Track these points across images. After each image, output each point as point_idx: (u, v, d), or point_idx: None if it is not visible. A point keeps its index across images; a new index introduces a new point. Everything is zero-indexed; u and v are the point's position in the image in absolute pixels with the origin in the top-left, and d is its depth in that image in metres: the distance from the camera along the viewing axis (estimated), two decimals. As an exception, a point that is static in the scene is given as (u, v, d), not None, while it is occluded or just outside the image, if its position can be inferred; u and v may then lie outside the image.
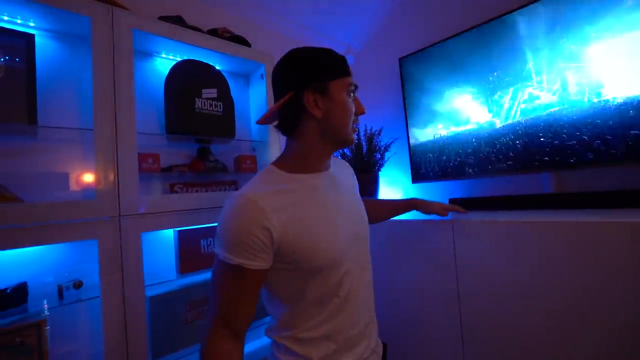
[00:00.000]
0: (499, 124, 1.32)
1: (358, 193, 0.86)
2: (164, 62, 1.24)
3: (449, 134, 1.48)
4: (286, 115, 0.70)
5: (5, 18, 0.92)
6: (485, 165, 1.37)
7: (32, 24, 0.97)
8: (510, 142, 1.29)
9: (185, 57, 1.24)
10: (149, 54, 1.20)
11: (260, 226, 0.61)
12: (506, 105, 1.30)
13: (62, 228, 0.86)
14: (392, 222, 1.28)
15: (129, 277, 0.94)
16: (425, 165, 1.58)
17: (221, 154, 1.35)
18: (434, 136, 1.54)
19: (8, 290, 0.85)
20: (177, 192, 1.14)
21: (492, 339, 1.05)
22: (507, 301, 1.02)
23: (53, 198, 0.97)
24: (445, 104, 1.49)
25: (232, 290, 0.63)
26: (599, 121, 1.08)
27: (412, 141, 1.62)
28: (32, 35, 0.94)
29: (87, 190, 1.01)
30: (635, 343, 0.81)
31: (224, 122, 1.25)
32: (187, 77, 1.17)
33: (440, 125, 1.52)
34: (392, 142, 1.67)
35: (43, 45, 0.99)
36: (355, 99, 0.72)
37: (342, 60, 0.71)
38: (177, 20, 1.19)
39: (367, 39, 2.01)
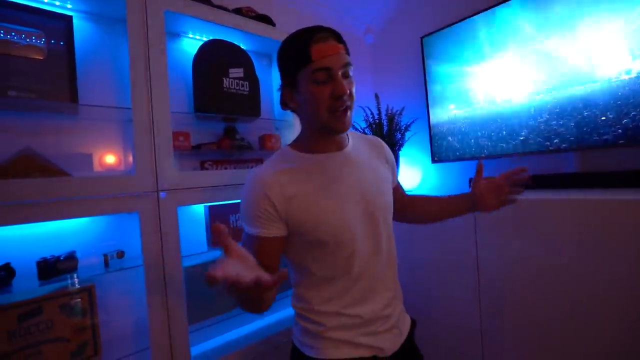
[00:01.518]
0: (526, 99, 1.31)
1: (384, 175, 0.82)
2: (190, 43, 1.26)
3: (468, 114, 1.48)
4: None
5: (45, 0, 0.96)
6: (506, 145, 1.37)
7: (69, 6, 1.00)
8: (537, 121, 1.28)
9: (211, 37, 1.26)
10: (176, 35, 1.23)
11: (265, 198, 0.67)
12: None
13: (107, 201, 0.92)
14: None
15: (167, 248, 1.00)
16: (445, 145, 1.58)
17: (246, 132, 1.39)
18: (455, 115, 1.54)
19: (62, 258, 0.92)
20: (207, 169, 1.18)
21: (509, 315, 1.09)
22: (526, 279, 1.05)
23: (94, 174, 1.03)
24: (467, 83, 1.47)
25: (258, 257, 0.64)
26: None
27: (432, 121, 1.62)
28: (70, 17, 0.98)
29: (127, 166, 1.07)
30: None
31: (250, 102, 1.27)
32: (215, 56, 1.20)
33: (453, 105, 1.51)
34: (413, 121, 1.67)
35: (80, 27, 1.02)
36: (333, 81, 0.65)
37: (303, 45, 0.65)
38: (204, 1, 1.21)
39: (388, 17, 1.98)
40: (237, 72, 1.23)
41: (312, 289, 0.73)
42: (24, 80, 0.89)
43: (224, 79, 1.20)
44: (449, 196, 0.93)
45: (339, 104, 0.66)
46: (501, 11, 1.34)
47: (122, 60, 1.04)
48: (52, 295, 0.90)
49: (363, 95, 1.86)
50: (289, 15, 1.72)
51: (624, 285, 0.87)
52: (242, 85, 1.25)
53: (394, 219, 0.84)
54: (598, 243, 0.91)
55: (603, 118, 1.12)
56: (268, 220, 0.67)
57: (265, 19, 1.32)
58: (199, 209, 1.24)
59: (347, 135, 0.79)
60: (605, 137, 1.12)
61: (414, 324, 0.86)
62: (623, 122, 1.08)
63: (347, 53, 0.68)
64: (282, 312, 1.35)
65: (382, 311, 0.75)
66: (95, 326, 0.96)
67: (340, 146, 0.76)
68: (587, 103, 1.15)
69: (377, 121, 1.60)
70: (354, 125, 1.59)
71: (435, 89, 1.60)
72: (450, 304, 1.26)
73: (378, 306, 0.74)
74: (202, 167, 1.19)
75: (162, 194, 1.00)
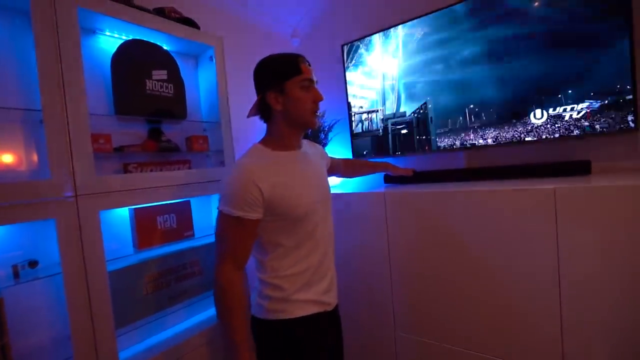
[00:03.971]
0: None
1: (324, 169, 1.13)
2: (108, 41, 1.21)
3: (383, 116, 1.69)
4: (262, 110, 0.97)
5: None
6: (409, 144, 1.61)
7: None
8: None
9: (132, 37, 1.23)
10: (91, 31, 1.17)
11: (254, 185, 0.85)
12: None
13: (19, 208, 0.87)
14: (335, 195, 1.47)
15: (89, 254, 0.98)
16: (363, 143, 1.78)
17: (172, 134, 1.38)
18: (369, 117, 1.74)
19: (-40, 272, 0.84)
20: (131, 172, 1.17)
21: (416, 289, 1.31)
22: (428, 258, 1.28)
23: (4, 179, 0.95)
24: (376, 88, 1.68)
25: (236, 237, 0.87)
26: (495, 110, 1.37)
27: (352, 122, 1.80)
28: (-40, 7, 0.88)
29: (41, 170, 1.01)
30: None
31: (175, 104, 1.28)
32: (136, 58, 1.18)
33: (380, 109, 1.72)
34: (335, 123, 1.83)
35: (-27, 17, 0.93)
36: (312, 90, 0.93)
37: (294, 62, 0.91)
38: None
39: (312, 23, 2.11)
40: (160, 74, 1.22)
41: (281, 258, 0.93)
42: None
43: (147, 80, 1.19)
44: (371, 163, 1.48)
45: (316, 108, 0.95)
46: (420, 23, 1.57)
47: (31, 58, 0.98)
48: (-50, 313, 0.82)
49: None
50: (217, 18, 1.74)
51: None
52: (167, 88, 1.25)
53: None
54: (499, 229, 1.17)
55: (478, 125, 1.41)
56: (253, 204, 0.85)
57: (190, 22, 1.33)
58: (124, 211, 1.21)
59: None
60: (480, 140, 1.41)
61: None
62: (491, 128, 1.38)
63: None
64: (202, 314, 1.39)
65: (330, 270, 1.01)
66: (6, 345, 0.90)
67: (299, 146, 1.01)
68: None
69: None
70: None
71: (352, 92, 1.79)
72: (365, 287, 1.45)
73: (329, 266, 1.01)
74: (126, 170, 1.17)
75: (69, 198, 0.97)
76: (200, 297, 1.39)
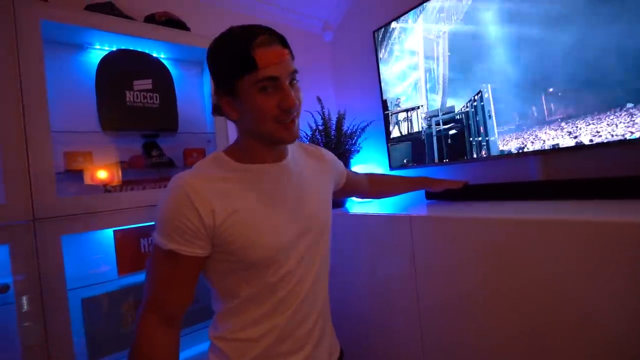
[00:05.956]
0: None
1: (325, 184, 0.79)
2: (98, 54, 1.17)
3: (427, 113, 1.29)
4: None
5: None
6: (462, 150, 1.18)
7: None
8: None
9: (122, 47, 1.17)
10: (80, 46, 1.14)
11: (191, 209, 0.57)
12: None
13: (-31, 234, 0.84)
14: (349, 215, 1.16)
15: (48, 282, 0.91)
16: (401, 150, 1.40)
17: (170, 148, 1.28)
18: (408, 116, 1.35)
19: None
20: (110, 192, 1.09)
21: (453, 346, 0.90)
22: (467, 306, 0.86)
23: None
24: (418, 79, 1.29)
25: (166, 276, 0.61)
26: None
27: (390, 123, 1.44)
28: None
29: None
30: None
31: (161, 115, 1.17)
32: (116, 68, 1.10)
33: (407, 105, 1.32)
34: (367, 125, 1.50)
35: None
36: (278, 92, 0.59)
37: (246, 50, 0.56)
38: (107, 6, 1.12)
39: (345, 12, 1.82)
40: (143, 83, 1.12)
41: (235, 312, 0.65)
42: None
43: (127, 92, 1.10)
44: (405, 179, 1.09)
45: (286, 117, 0.60)
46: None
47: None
48: None
49: (325, 100, 1.71)
50: (246, 20, 1.62)
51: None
52: (151, 98, 1.14)
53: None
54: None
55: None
56: (191, 235, 0.58)
57: (178, 24, 1.21)
58: (109, 233, 1.14)
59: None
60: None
61: (342, 354, 0.80)
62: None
63: (292, 57, 0.62)
64: (190, 350, 1.23)
65: (308, 336, 0.69)
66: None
67: (280, 157, 0.69)
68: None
69: (322, 128, 1.44)
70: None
71: (388, 87, 1.43)
72: (384, 333, 1.08)
73: (302, 332, 0.68)
74: (105, 190, 1.09)
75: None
76: (189, 330, 1.23)
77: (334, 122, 1.48)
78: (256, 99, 0.58)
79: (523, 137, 1.03)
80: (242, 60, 0.57)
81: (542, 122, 0.98)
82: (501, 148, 1.08)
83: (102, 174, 1.11)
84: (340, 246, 1.20)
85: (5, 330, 0.97)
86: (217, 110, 0.66)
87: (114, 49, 1.18)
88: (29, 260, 0.89)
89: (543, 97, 0.98)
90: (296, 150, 0.76)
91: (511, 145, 1.06)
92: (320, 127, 1.45)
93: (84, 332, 1.01)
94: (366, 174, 1.03)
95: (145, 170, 1.20)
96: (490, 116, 1.10)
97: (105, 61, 1.10)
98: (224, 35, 0.60)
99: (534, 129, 1.00)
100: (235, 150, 0.67)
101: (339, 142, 1.44)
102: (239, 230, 0.60)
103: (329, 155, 0.85)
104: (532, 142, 1.01)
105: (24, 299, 0.90)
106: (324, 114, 1.44)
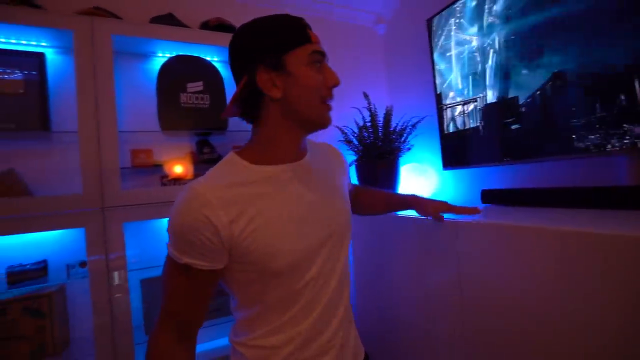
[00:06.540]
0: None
1: (342, 184, 0.75)
2: (159, 61, 1.30)
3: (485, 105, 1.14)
4: (245, 102, 0.61)
5: (24, 42, 1.11)
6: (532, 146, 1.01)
7: (44, 44, 1.14)
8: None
9: (180, 53, 1.28)
10: (145, 55, 1.28)
11: (206, 224, 0.53)
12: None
13: (55, 218, 1.01)
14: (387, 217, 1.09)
15: (113, 261, 1.05)
16: (459, 146, 1.26)
17: (222, 145, 1.37)
18: (465, 110, 1.21)
19: (27, 267, 1.05)
20: (165, 185, 1.21)
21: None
22: (514, 318, 0.73)
23: (60, 192, 1.14)
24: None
25: (181, 289, 0.58)
26: None
27: (444, 119, 1.32)
28: (42, 54, 1.11)
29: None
30: None
31: (211, 115, 1.25)
32: (173, 72, 1.21)
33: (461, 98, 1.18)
34: (419, 121, 1.39)
35: (53, 60, 1.16)
36: (324, 68, 0.60)
37: (298, 24, 0.58)
38: (168, 18, 1.23)
39: (400, 3, 1.71)
40: (195, 85, 1.22)
41: (257, 320, 0.63)
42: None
43: (182, 94, 1.20)
44: (395, 196, 0.95)
45: (330, 96, 0.62)
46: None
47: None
48: (16, 299, 1.03)
49: (377, 95, 1.64)
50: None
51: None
52: (202, 99, 1.23)
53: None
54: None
55: None
56: (206, 249, 0.54)
57: (230, 29, 1.28)
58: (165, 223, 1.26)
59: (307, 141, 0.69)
60: None
61: (366, 358, 0.76)
62: None
63: None
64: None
65: (331, 341, 0.65)
66: (53, 328, 1.06)
67: (300, 155, 0.65)
68: None
69: (369, 124, 1.38)
70: (345, 132, 1.42)
71: (442, 78, 1.30)
72: (419, 337, 0.99)
73: (325, 338, 0.65)
74: (162, 183, 1.22)
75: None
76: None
77: (382, 119, 1.41)
78: (307, 71, 0.58)
79: (606, 132, 0.83)
80: (296, 32, 0.58)
81: (633, 114, 0.78)
82: (577, 144, 0.90)
83: (178, 169, 1.25)
84: (388, 246, 1.14)
85: (83, 298, 1.15)
86: (247, 97, 0.60)
87: (173, 55, 1.30)
88: (99, 242, 1.04)
89: (636, 80, 0.78)
90: (312, 147, 0.72)
91: (590, 140, 0.87)
92: (368, 124, 1.39)
93: (141, 309, 1.15)
94: (359, 186, 0.94)
95: (199, 166, 1.30)
96: (562, 107, 0.92)
97: (164, 67, 1.21)
98: (264, 17, 0.60)
99: (622, 121, 0.80)
100: (251, 151, 0.62)
101: (386, 139, 1.37)
102: (259, 239, 0.56)
103: (337, 148, 0.81)
104: (620, 139, 0.81)
105: (115, 275, 1.06)
106: (371, 110, 1.38)
